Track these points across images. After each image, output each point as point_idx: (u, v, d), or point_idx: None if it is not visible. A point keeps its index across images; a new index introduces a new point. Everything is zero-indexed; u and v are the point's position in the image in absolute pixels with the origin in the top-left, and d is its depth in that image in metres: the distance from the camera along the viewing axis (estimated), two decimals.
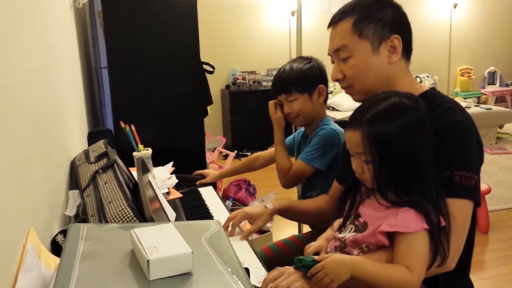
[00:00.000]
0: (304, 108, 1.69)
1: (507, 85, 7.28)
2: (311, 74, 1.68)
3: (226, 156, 4.17)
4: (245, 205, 3.22)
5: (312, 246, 1.18)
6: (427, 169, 1.02)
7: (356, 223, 1.10)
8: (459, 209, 1.06)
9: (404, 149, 1.01)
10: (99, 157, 1.51)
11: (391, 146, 1.01)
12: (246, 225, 1.60)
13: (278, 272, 1.05)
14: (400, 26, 1.20)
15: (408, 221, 0.99)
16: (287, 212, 1.54)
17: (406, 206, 1.01)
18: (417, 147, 1.01)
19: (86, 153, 1.61)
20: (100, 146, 1.63)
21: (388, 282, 0.98)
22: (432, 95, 1.20)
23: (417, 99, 1.08)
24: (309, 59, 1.72)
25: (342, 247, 1.10)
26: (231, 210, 2.67)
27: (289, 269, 1.04)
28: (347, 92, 1.29)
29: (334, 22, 1.24)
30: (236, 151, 4.79)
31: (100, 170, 1.37)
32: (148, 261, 0.72)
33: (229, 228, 1.45)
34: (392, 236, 1.02)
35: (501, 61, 7.24)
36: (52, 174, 1.28)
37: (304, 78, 1.67)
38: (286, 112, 1.72)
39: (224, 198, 3.24)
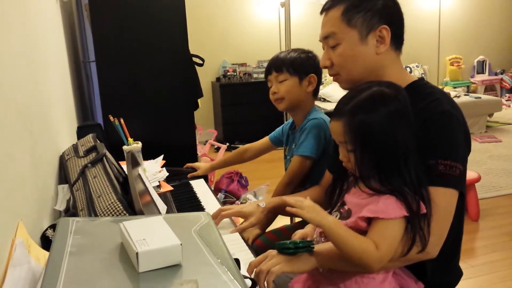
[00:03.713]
0: (291, 91, 1.69)
1: (496, 74, 7.33)
2: (306, 62, 1.70)
3: (217, 149, 4.17)
4: (237, 197, 3.22)
5: (298, 233, 1.20)
6: (407, 157, 1.04)
7: (341, 210, 1.12)
8: (443, 197, 1.07)
9: (383, 138, 1.03)
10: (87, 151, 1.50)
11: (371, 134, 1.03)
12: (239, 220, 1.60)
13: (262, 256, 1.07)
14: (390, 16, 1.20)
15: (388, 207, 1.01)
16: (280, 209, 1.54)
17: (387, 194, 1.03)
18: (396, 135, 1.03)
19: (74, 147, 1.60)
20: (89, 140, 1.62)
21: (353, 247, 1.00)
22: (420, 85, 1.20)
23: (398, 88, 1.09)
24: (310, 52, 1.75)
25: None
26: (223, 203, 2.68)
27: (272, 252, 1.07)
28: (334, 80, 1.30)
29: (326, 8, 1.25)
30: (227, 144, 4.78)
31: (89, 164, 1.36)
32: (137, 253, 0.72)
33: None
34: (371, 222, 1.04)
35: (490, 50, 7.28)
36: (41, 169, 1.27)
37: (298, 62, 1.69)
38: (272, 91, 1.73)
39: (216, 190, 3.24)
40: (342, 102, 1.11)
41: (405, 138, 1.04)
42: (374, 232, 1.01)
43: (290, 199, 1.06)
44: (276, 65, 1.71)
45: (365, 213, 1.03)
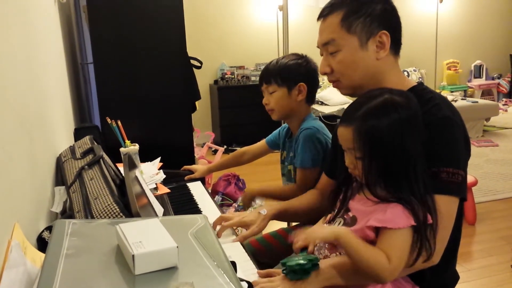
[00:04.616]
0: (280, 103, 1.69)
1: (493, 78, 7.35)
2: (295, 70, 1.67)
3: (215, 151, 4.17)
4: (234, 200, 3.22)
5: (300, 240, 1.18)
6: (415, 166, 1.03)
7: (345, 217, 1.11)
8: (445, 205, 1.07)
9: (393, 146, 1.02)
10: (84, 153, 1.49)
11: (381, 142, 1.02)
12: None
13: (267, 278, 1.06)
14: (389, 21, 1.20)
15: (396, 217, 1.00)
16: (281, 215, 1.53)
17: (394, 202, 1.02)
18: (406, 144, 1.02)
19: (72, 149, 1.59)
20: (86, 142, 1.62)
21: (366, 259, 0.99)
22: (419, 90, 1.20)
23: (409, 96, 1.08)
24: (301, 57, 1.72)
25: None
26: (220, 205, 2.68)
27: (278, 276, 1.05)
28: (334, 86, 1.29)
29: (324, 15, 1.24)
30: (225, 146, 4.79)
31: (86, 166, 1.36)
32: (133, 256, 0.72)
33: (218, 227, 1.45)
34: (379, 231, 1.03)
35: (487, 54, 7.31)
36: (37, 170, 1.27)
37: (285, 71, 1.67)
38: (264, 102, 1.73)
39: (213, 193, 3.24)
40: (352, 108, 1.09)
41: (414, 146, 1.03)
42: (383, 242, 1.01)
43: (298, 236, 1.07)
44: (265, 76, 1.71)
45: (372, 223, 1.02)
